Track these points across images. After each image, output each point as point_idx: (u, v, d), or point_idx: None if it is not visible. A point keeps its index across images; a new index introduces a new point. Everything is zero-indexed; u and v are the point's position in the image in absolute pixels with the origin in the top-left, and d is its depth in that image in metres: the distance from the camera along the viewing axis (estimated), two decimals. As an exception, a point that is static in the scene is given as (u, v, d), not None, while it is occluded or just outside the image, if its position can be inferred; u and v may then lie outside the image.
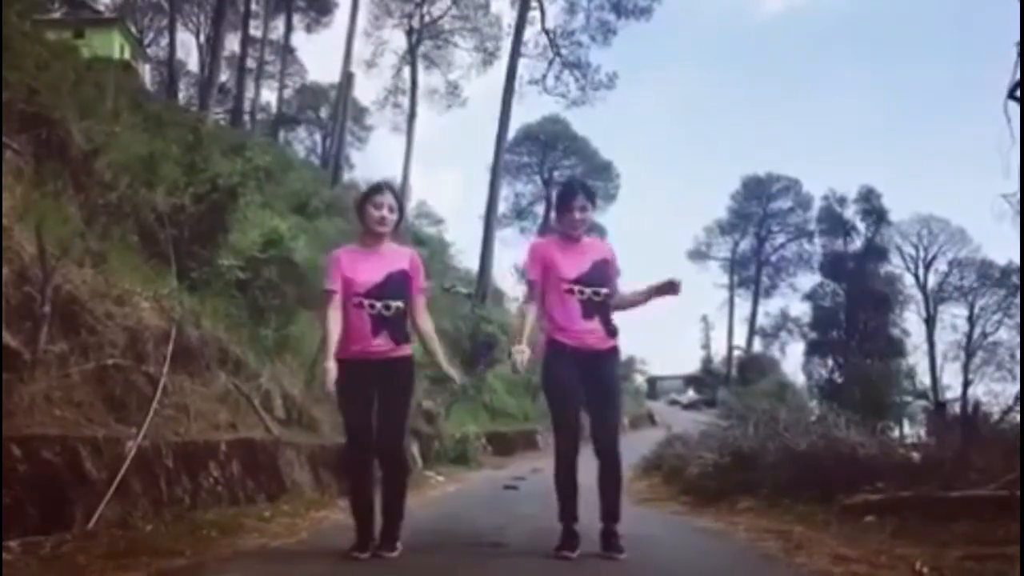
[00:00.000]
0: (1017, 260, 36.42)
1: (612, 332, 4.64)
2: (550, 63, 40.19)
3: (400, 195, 4.84)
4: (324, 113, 51.54)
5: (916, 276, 58.34)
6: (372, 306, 4.40)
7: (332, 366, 4.28)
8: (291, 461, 8.12)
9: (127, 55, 32.58)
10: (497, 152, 35.76)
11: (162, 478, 5.65)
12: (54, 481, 4.53)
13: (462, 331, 26.14)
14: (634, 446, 20.18)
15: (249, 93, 42.23)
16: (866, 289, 47.70)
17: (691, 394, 61.89)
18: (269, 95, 49.57)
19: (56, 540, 4.23)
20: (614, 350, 4.69)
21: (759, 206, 64.49)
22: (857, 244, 50.96)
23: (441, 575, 4.03)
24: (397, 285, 4.48)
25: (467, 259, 40.92)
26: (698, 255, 66.36)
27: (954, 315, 58.78)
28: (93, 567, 3.80)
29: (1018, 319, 50.30)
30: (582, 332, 4.56)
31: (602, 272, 4.64)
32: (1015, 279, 50.63)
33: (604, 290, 4.61)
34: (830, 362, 47.61)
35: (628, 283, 4.96)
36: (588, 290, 4.56)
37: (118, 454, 5.18)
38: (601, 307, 4.60)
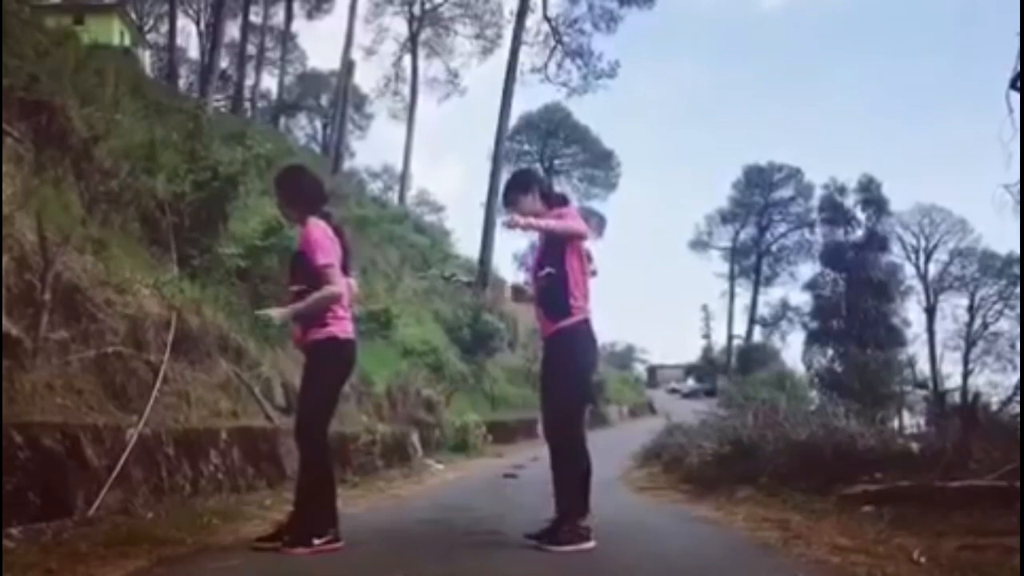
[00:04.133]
0: (1018, 250, 36.38)
1: (553, 314, 4.46)
2: (552, 51, 40.17)
3: (283, 183, 4.59)
4: (325, 100, 51.44)
5: (917, 266, 58.44)
6: (291, 293, 4.42)
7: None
8: (292, 449, 8.09)
9: (127, 42, 32.52)
10: (498, 140, 35.73)
11: (163, 466, 5.67)
12: (55, 468, 4.54)
13: (462, 320, 26.12)
14: (634, 435, 20.24)
15: (249, 80, 42.26)
16: (867, 279, 47.65)
17: (691, 383, 61.99)
18: (270, 82, 49.61)
19: (57, 527, 4.25)
20: (556, 335, 4.47)
21: (760, 195, 64.42)
22: (858, 234, 50.91)
23: (439, 563, 4.04)
24: (294, 267, 4.41)
25: (468, 247, 40.87)
26: (699, 244, 66.51)
27: (955, 305, 58.98)
28: (94, 554, 3.81)
29: (1019, 309, 50.31)
30: (538, 319, 4.61)
31: (541, 252, 4.55)
32: (1016, 269, 50.63)
33: (541, 272, 4.47)
34: (830, 352, 47.59)
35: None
36: (533, 276, 4.58)
37: (119, 441, 5.20)
38: (540, 290, 4.53)
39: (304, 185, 4.59)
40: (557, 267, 4.43)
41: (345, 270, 4.43)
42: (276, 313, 4.42)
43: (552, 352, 4.57)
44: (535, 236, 5.06)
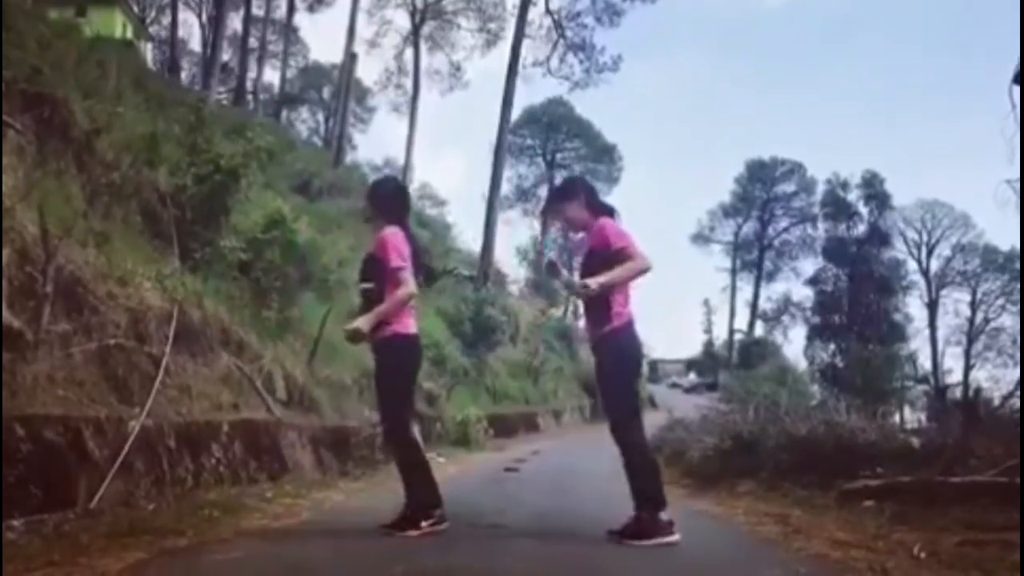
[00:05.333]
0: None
1: (598, 322, 4.55)
2: (554, 45, 40.03)
3: (372, 192, 5.03)
4: (327, 93, 51.39)
5: (919, 261, 58.40)
6: (361, 289, 4.75)
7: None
8: (293, 442, 8.15)
9: (129, 34, 32.43)
10: (500, 134, 35.60)
11: (164, 458, 5.68)
12: (57, 460, 4.55)
13: (464, 313, 26.10)
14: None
15: (251, 73, 42.02)
16: (869, 274, 47.66)
17: (692, 378, 62.01)
18: (272, 75, 49.44)
19: (59, 519, 4.26)
20: (602, 339, 4.56)
21: (763, 190, 64.39)
22: (860, 229, 50.91)
23: (441, 556, 4.04)
24: (368, 267, 4.68)
25: (469, 241, 40.83)
26: (701, 238, 66.50)
27: (956, 300, 58.97)
28: (95, 546, 3.81)
29: (1020, 304, 50.27)
30: (586, 324, 4.69)
31: (586, 262, 4.62)
32: (1018, 265, 50.56)
33: (582, 281, 4.49)
34: (832, 347, 47.64)
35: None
36: (577, 283, 4.58)
37: (121, 434, 5.20)
38: (586, 300, 4.64)
39: (388, 194, 4.97)
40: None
41: (416, 274, 4.70)
42: (363, 323, 4.60)
43: (599, 357, 4.68)
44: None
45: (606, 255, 4.43)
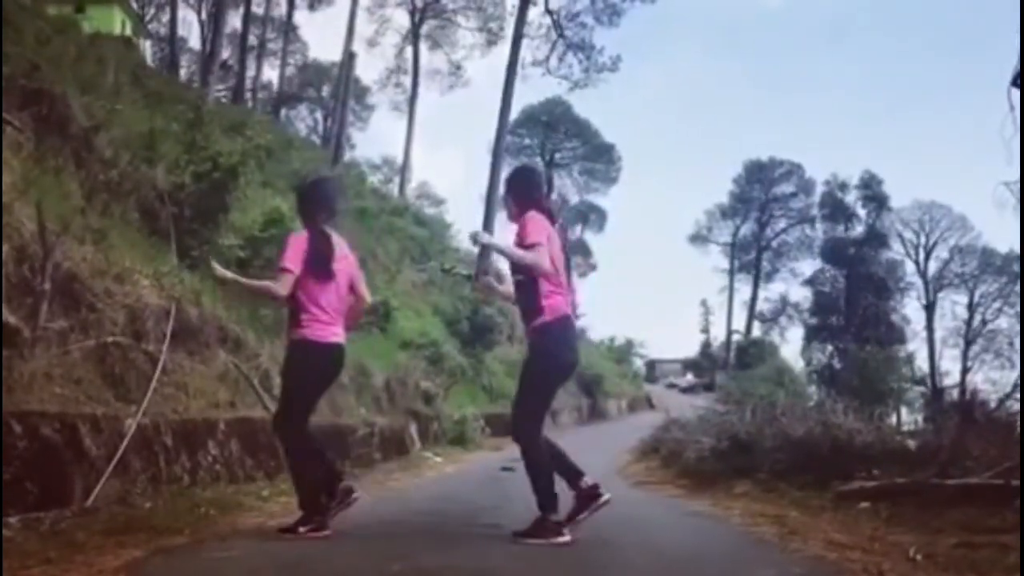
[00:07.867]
0: (1018, 248, 36.38)
1: (527, 316, 4.49)
2: (553, 44, 39.98)
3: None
4: (326, 92, 51.31)
5: (916, 263, 58.38)
6: None
7: None
8: (290, 440, 8.14)
9: (128, 31, 32.40)
10: (499, 133, 35.59)
11: (161, 456, 5.68)
12: (53, 458, 4.55)
13: (461, 312, 26.07)
14: (632, 429, 20.26)
15: (251, 71, 41.98)
16: (866, 275, 47.73)
17: (690, 378, 61.86)
18: (271, 73, 49.36)
19: (55, 516, 4.26)
20: (532, 333, 4.49)
21: (761, 190, 64.28)
22: (858, 230, 50.92)
23: (438, 554, 4.05)
24: None
25: (467, 240, 40.74)
26: (699, 239, 66.31)
27: (954, 302, 58.92)
28: (92, 544, 3.81)
29: (1018, 307, 50.36)
30: (520, 315, 4.63)
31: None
32: (1016, 267, 50.63)
33: (514, 278, 4.55)
34: (829, 348, 47.69)
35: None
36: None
37: (117, 431, 5.20)
38: (516, 294, 4.59)
39: (300, 197, 4.95)
40: (525, 272, 4.44)
41: (327, 275, 4.52)
42: (226, 273, 4.87)
43: (529, 351, 4.60)
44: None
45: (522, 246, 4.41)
